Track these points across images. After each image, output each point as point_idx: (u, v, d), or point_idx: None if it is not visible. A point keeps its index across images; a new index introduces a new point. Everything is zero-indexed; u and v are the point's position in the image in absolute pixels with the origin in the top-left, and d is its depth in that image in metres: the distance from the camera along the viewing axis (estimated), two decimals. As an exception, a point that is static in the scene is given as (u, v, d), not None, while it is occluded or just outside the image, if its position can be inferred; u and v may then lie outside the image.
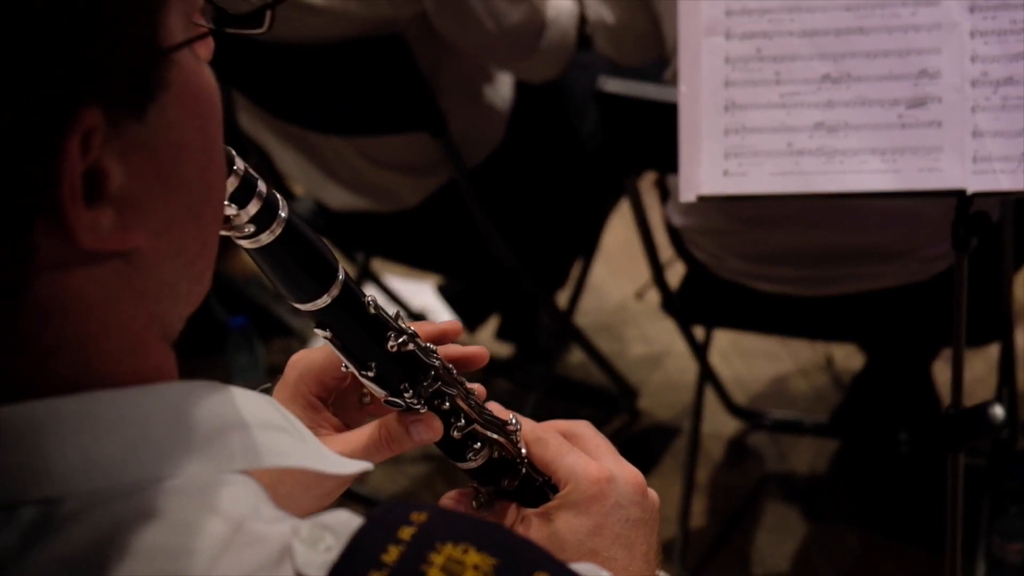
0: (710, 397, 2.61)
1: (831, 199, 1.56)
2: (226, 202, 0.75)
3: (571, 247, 2.58)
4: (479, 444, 0.90)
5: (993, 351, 2.35)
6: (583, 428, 0.92)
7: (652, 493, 0.89)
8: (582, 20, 2.21)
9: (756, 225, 2.01)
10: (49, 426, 0.59)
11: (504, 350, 2.89)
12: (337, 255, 0.84)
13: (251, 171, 0.77)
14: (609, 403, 2.79)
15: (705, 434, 2.59)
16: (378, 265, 3.02)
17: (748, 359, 2.89)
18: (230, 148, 0.73)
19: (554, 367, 2.73)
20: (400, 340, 0.86)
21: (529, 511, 0.90)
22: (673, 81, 1.75)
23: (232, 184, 0.75)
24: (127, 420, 0.61)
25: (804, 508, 2.51)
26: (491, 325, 2.88)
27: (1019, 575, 2.14)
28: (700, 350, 2.47)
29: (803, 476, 2.60)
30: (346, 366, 0.88)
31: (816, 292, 2.09)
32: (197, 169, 0.64)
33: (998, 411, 1.49)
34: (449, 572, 0.58)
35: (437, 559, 0.58)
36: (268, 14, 0.68)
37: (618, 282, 3.20)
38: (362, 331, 0.85)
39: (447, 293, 2.87)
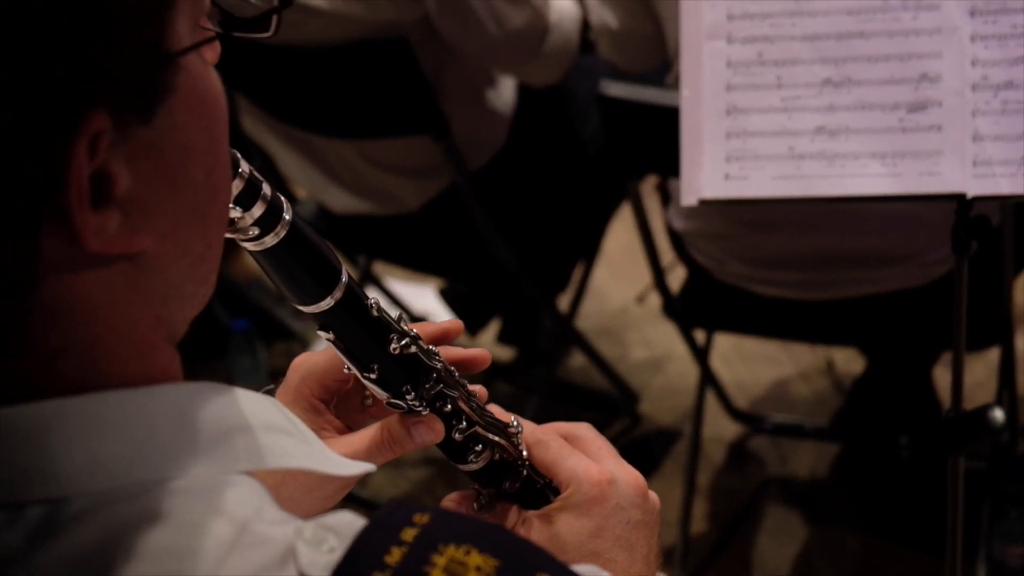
0: (711, 401, 2.61)
1: (832, 203, 1.57)
2: (231, 205, 0.76)
3: (573, 251, 2.59)
4: (480, 446, 0.91)
5: (993, 355, 2.35)
6: (584, 430, 0.93)
7: (653, 495, 0.90)
8: (584, 24, 2.22)
9: (757, 229, 2.01)
10: (55, 427, 0.59)
11: (505, 354, 2.90)
12: (339, 258, 0.85)
13: (256, 174, 0.78)
14: (610, 407, 2.80)
15: (706, 438, 2.59)
16: (380, 268, 3.03)
17: (749, 363, 2.89)
18: (235, 151, 0.73)
19: (555, 371, 2.73)
20: (402, 342, 0.86)
21: (530, 513, 0.90)
22: (675, 85, 1.76)
23: (237, 187, 0.76)
24: (133, 421, 0.61)
25: (805, 512, 2.51)
26: (492, 329, 2.88)
27: (1019, 579, 2.14)
28: (701, 354, 2.48)
29: (804, 480, 2.61)
30: (348, 368, 0.88)
31: (817, 296, 2.10)
32: (203, 172, 0.64)
33: (998, 414, 1.49)
34: (451, 573, 0.58)
35: (439, 560, 0.58)
36: (274, 18, 0.68)
37: (619, 286, 3.20)
38: (365, 333, 0.85)
39: (449, 296, 2.87)
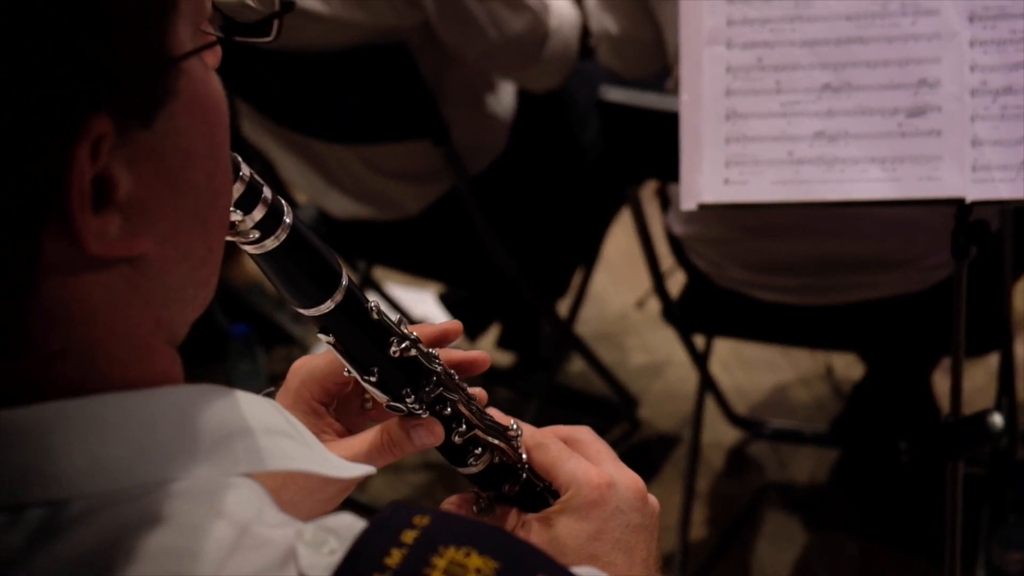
0: (710, 406, 2.62)
1: (831, 207, 1.57)
2: (232, 208, 0.76)
3: (572, 256, 2.59)
4: (480, 449, 0.91)
5: (993, 361, 2.35)
6: (584, 434, 0.93)
7: (652, 499, 0.90)
8: (584, 30, 2.22)
9: (757, 234, 2.01)
10: (56, 428, 0.59)
11: (505, 359, 2.90)
12: (339, 261, 0.85)
13: (257, 177, 0.78)
14: (610, 412, 2.80)
15: (705, 443, 2.59)
16: (380, 273, 3.03)
17: (748, 368, 2.89)
18: (236, 154, 0.73)
19: (555, 376, 2.73)
20: (403, 346, 0.86)
21: (530, 516, 0.90)
22: (675, 91, 1.76)
23: (238, 190, 0.76)
24: (133, 423, 0.61)
25: (804, 517, 2.51)
26: (492, 334, 2.89)
27: (1019, 584, 2.14)
28: (700, 359, 2.48)
29: (803, 485, 2.61)
30: (348, 371, 0.88)
31: (816, 301, 2.10)
32: (204, 175, 0.64)
33: (997, 419, 1.50)
34: (451, 575, 0.58)
35: (439, 562, 0.58)
36: (276, 23, 0.69)
37: (619, 291, 3.21)
38: (365, 336, 0.86)
39: (448, 301, 2.88)
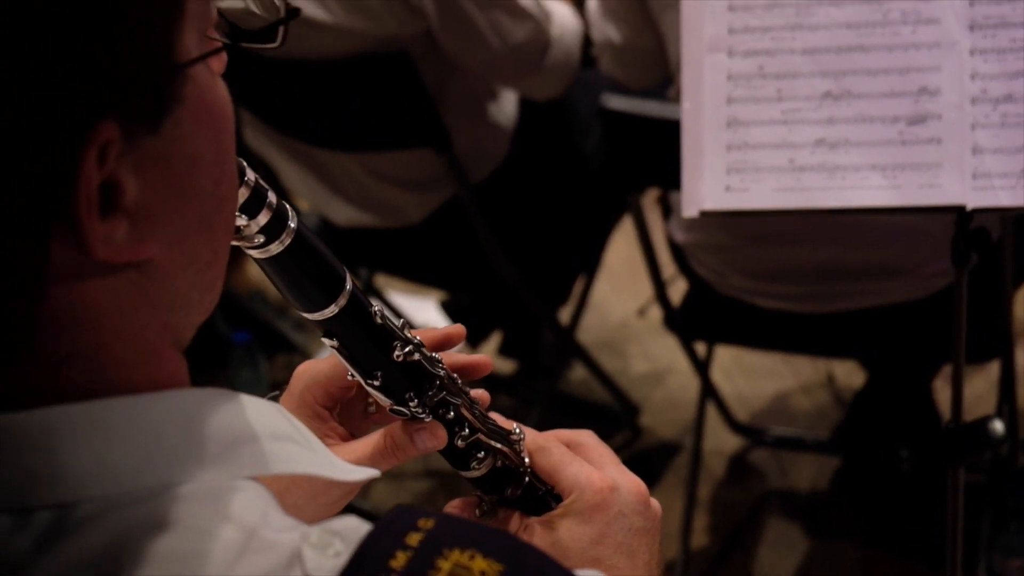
0: (712, 414, 2.62)
1: (832, 215, 1.57)
2: (237, 213, 0.76)
3: (574, 264, 2.59)
4: (483, 453, 0.91)
5: (993, 369, 2.35)
6: (586, 437, 0.93)
7: (654, 502, 0.90)
8: (586, 39, 2.23)
9: (758, 242, 2.02)
10: (63, 432, 0.60)
11: (507, 366, 2.90)
12: (343, 266, 0.86)
13: (261, 182, 0.78)
14: (611, 420, 2.80)
15: (707, 451, 2.60)
16: (381, 281, 3.04)
17: (750, 376, 2.90)
18: (241, 159, 0.73)
19: (556, 383, 2.74)
20: (406, 350, 0.87)
21: (532, 519, 0.90)
22: (676, 99, 1.77)
23: (243, 195, 0.76)
24: (140, 426, 0.61)
25: (806, 524, 2.51)
26: (494, 341, 2.89)
27: (1020, 592, 2.14)
28: (702, 367, 2.48)
29: (805, 493, 2.61)
30: (352, 375, 0.89)
31: (818, 309, 2.10)
32: (210, 181, 0.65)
33: (998, 425, 1.50)
34: (455, 577, 0.58)
35: (444, 565, 0.59)
36: (281, 29, 0.69)
37: (620, 299, 3.21)
38: (368, 340, 0.86)
39: (450, 309, 2.88)
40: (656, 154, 1.90)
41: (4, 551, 0.58)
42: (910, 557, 2.39)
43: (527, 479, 0.92)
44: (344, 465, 0.73)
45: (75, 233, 0.58)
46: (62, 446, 0.59)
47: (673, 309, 2.33)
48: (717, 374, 2.70)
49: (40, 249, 0.58)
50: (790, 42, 1.54)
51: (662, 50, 1.99)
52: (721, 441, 2.70)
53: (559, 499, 0.90)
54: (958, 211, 1.48)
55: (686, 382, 2.76)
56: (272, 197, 0.78)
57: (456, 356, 0.94)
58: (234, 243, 0.76)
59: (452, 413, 0.89)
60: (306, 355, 2.97)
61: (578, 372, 2.90)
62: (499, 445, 0.91)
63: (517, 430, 0.93)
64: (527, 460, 0.92)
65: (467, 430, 0.90)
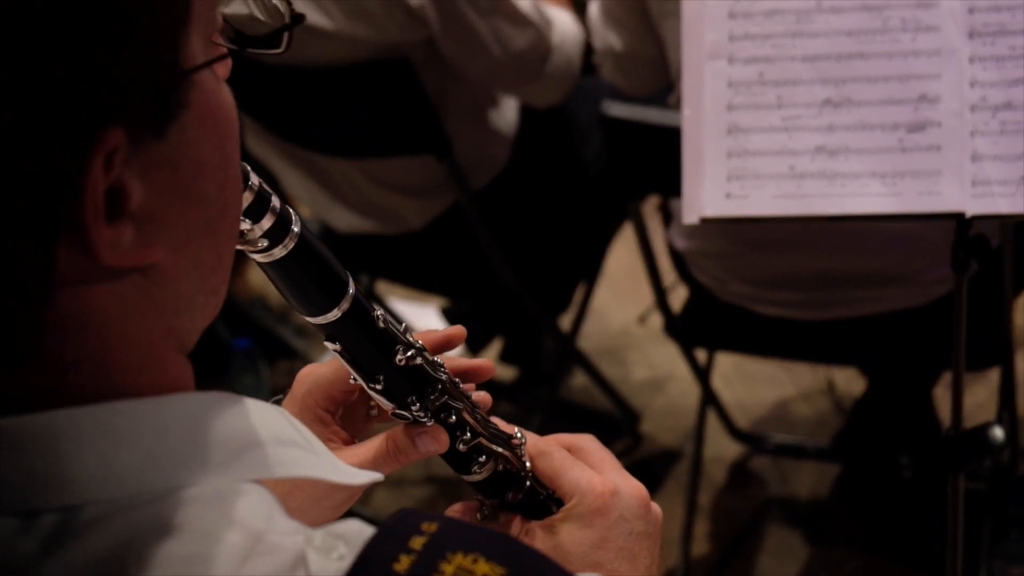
0: (712, 421, 2.62)
1: (832, 222, 1.58)
2: (240, 217, 0.77)
3: (574, 271, 2.60)
4: (484, 457, 0.91)
5: (993, 377, 2.35)
6: (587, 442, 0.93)
7: (655, 507, 0.90)
8: (587, 47, 2.23)
9: (758, 249, 2.02)
10: (69, 434, 0.60)
11: (507, 373, 2.90)
12: (346, 270, 0.86)
13: (265, 186, 0.79)
14: (612, 427, 2.80)
15: (707, 458, 2.60)
16: (383, 287, 3.04)
17: (750, 383, 2.90)
18: (245, 164, 0.74)
19: (557, 390, 2.74)
20: (408, 354, 0.87)
21: (533, 523, 0.91)
22: (677, 106, 1.77)
23: (247, 199, 0.77)
24: (145, 430, 0.62)
25: (806, 532, 2.51)
26: (494, 348, 2.89)
27: (1020, 599, 2.14)
28: (702, 374, 2.48)
29: (805, 500, 2.61)
30: (354, 379, 0.89)
31: (818, 316, 2.10)
32: (215, 186, 0.65)
33: (998, 432, 1.50)
34: (458, 581, 0.59)
35: (447, 568, 0.59)
36: (285, 35, 0.69)
37: (621, 306, 3.21)
38: (371, 345, 0.86)
39: (451, 316, 2.88)
40: (657, 161, 1.91)
41: (10, 553, 0.58)
42: (910, 564, 2.39)
43: (528, 483, 0.92)
44: (347, 468, 0.73)
45: (81, 238, 0.59)
46: (68, 449, 0.60)
47: (673, 316, 2.33)
48: (717, 381, 2.70)
49: (47, 254, 0.59)
50: (790, 49, 1.55)
51: (663, 57, 1.99)
52: (722, 448, 2.70)
53: (560, 503, 0.90)
54: (957, 218, 1.49)
55: (686, 389, 2.76)
56: (276, 201, 0.79)
57: (458, 360, 0.95)
58: (238, 247, 0.76)
59: (454, 417, 0.90)
60: (307, 361, 2.95)
61: (579, 379, 2.90)
62: (500, 449, 0.92)
63: (518, 434, 0.93)
64: (528, 464, 0.92)
65: (469, 434, 0.90)
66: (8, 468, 0.59)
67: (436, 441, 0.89)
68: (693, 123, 1.56)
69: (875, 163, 1.51)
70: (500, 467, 0.92)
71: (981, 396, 2.56)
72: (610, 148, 2.08)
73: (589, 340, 2.96)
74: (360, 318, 0.85)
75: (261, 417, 0.66)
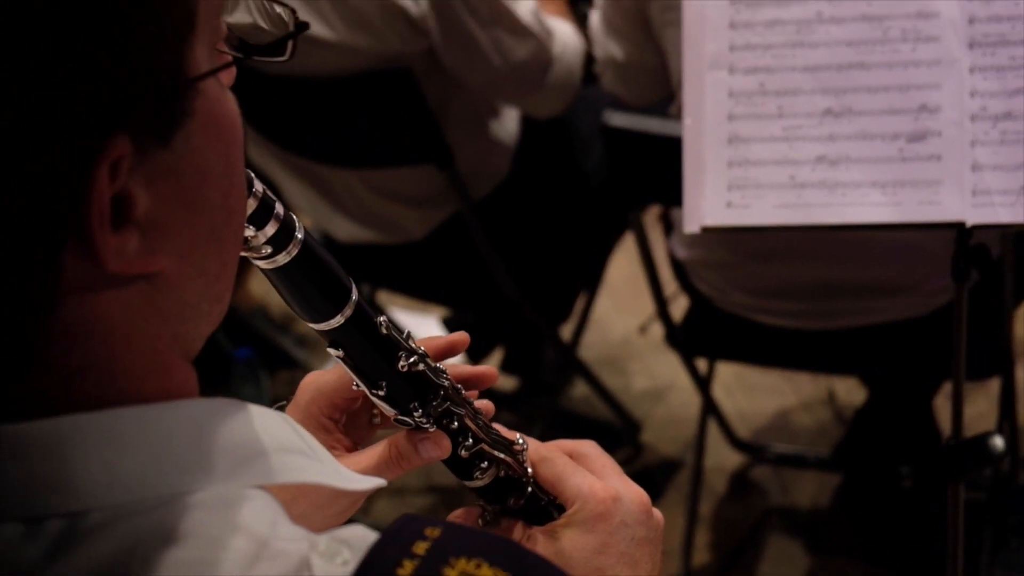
0: (713, 431, 2.62)
1: (832, 231, 1.58)
2: (244, 224, 0.77)
3: (575, 281, 2.60)
4: (486, 463, 0.92)
5: (994, 387, 2.36)
6: (589, 448, 0.94)
7: (657, 513, 0.90)
8: (588, 57, 2.24)
9: (759, 258, 2.02)
10: (74, 440, 0.60)
11: (508, 383, 2.90)
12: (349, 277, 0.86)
13: (269, 193, 0.79)
14: (612, 436, 2.80)
15: (708, 468, 2.60)
16: (384, 297, 3.04)
17: (751, 393, 2.90)
18: (249, 171, 0.74)
19: (558, 400, 2.74)
20: (411, 360, 0.87)
21: (535, 529, 0.91)
22: (678, 116, 1.78)
23: (251, 206, 0.77)
24: (150, 436, 0.62)
25: (807, 541, 2.51)
26: (495, 358, 2.89)
27: (1021, 608, 2.14)
28: (703, 383, 2.48)
29: (806, 510, 2.61)
30: (357, 385, 0.89)
31: (819, 326, 2.10)
32: (220, 193, 0.65)
33: (998, 441, 1.50)
34: (462, 586, 0.59)
35: (451, 573, 0.59)
36: (290, 43, 0.70)
37: (622, 316, 3.21)
38: (374, 351, 0.87)
39: (452, 325, 2.88)
40: (658, 171, 1.91)
41: (16, 559, 0.58)
42: (911, 574, 2.39)
43: (530, 489, 0.93)
44: (350, 474, 0.73)
45: (87, 246, 0.59)
46: (73, 455, 0.60)
47: (674, 326, 2.34)
48: (718, 391, 2.70)
49: (53, 262, 0.59)
50: (791, 59, 1.55)
51: (664, 67, 2.00)
52: (722, 458, 2.70)
53: (562, 509, 0.90)
54: (958, 228, 1.49)
55: (687, 399, 2.76)
56: (279, 208, 0.79)
57: (462, 367, 0.95)
58: (242, 254, 0.77)
59: (456, 423, 0.90)
60: (308, 371, 2.95)
61: (580, 389, 2.90)
62: (502, 455, 0.92)
63: (520, 440, 0.93)
64: (530, 470, 0.93)
65: (471, 440, 0.91)
66: (14, 474, 0.59)
67: (438, 447, 0.90)
68: (694, 133, 1.57)
69: (876, 173, 1.51)
70: (502, 473, 0.92)
71: (981, 406, 2.56)
72: (611, 158, 2.09)
73: (590, 350, 2.96)
74: (363, 324, 0.86)
75: (265, 423, 0.67)
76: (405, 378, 0.87)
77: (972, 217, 1.48)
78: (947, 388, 2.24)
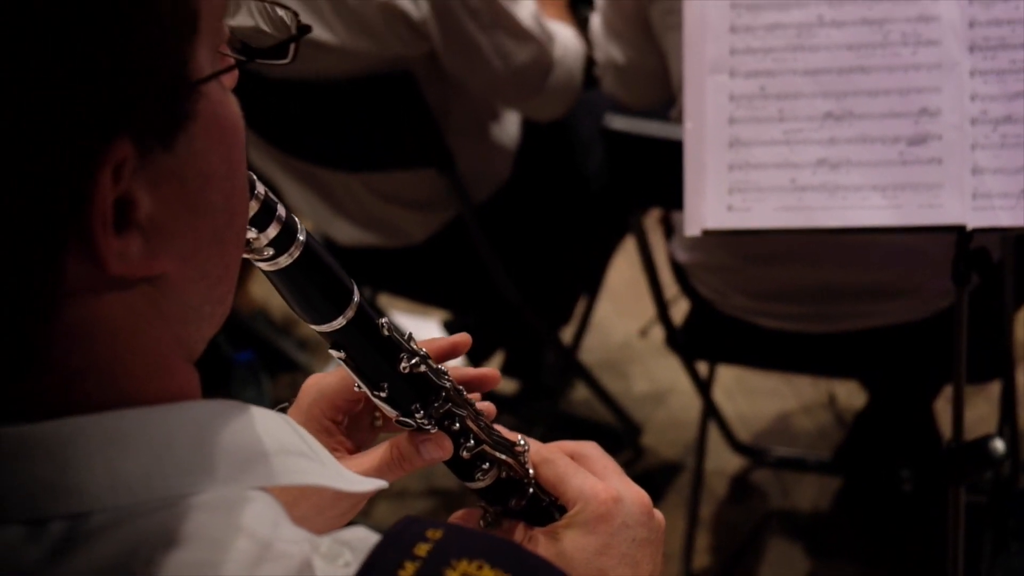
0: (714, 434, 2.62)
1: (833, 234, 1.58)
2: (247, 226, 0.77)
3: (576, 284, 2.60)
4: (488, 464, 0.92)
5: (994, 390, 2.35)
6: (590, 449, 0.94)
7: (658, 514, 0.90)
8: (589, 60, 2.24)
9: (760, 262, 2.02)
10: (76, 442, 0.60)
11: (509, 386, 2.90)
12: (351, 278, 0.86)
13: (271, 195, 0.79)
14: (613, 440, 2.80)
15: (708, 471, 2.60)
16: (384, 301, 3.04)
17: (751, 396, 2.90)
18: (251, 173, 0.74)
19: (558, 403, 2.74)
20: (412, 361, 0.87)
21: (536, 530, 0.91)
22: (679, 119, 1.78)
23: (253, 208, 0.77)
24: (152, 438, 0.62)
25: (807, 545, 2.51)
26: (496, 361, 2.89)
27: (1021, 612, 2.14)
28: (704, 387, 2.48)
29: (806, 513, 2.61)
30: (359, 386, 0.90)
31: (819, 329, 2.11)
32: (222, 196, 0.65)
33: (998, 444, 1.50)
34: (464, 588, 0.59)
35: (452, 575, 0.59)
36: (292, 46, 0.70)
37: (622, 320, 3.21)
38: (376, 352, 0.87)
39: (453, 329, 2.88)
40: (658, 174, 1.91)
41: (18, 561, 0.58)
42: (911, 577, 2.39)
43: (531, 490, 0.93)
44: (352, 476, 0.73)
45: (90, 249, 0.59)
46: (75, 457, 0.60)
47: (675, 329, 2.34)
48: (719, 394, 2.71)
49: (55, 264, 0.59)
50: (791, 63, 1.55)
51: (665, 70, 2.00)
52: (723, 461, 2.70)
53: (563, 510, 0.90)
54: (958, 231, 1.49)
55: (688, 402, 2.76)
56: (281, 210, 0.79)
57: (464, 369, 0.95)
58: (244, 256, 0.77)
59: (457, 424, 0.90)
60: (309, 374, 2.96)
61: (580, 392, 2.90)
62: (504, 456, 0.92)
63: (522, 442, 0.93)
64: (531, 471, 0.93)
65: (472, 441, 0.91)
66: (16, 476, 0.59)
67: (440, 448, 0.90)
68: (695, 136, 1.57)
69: (876, 176, 1.52)
70: (503, 474, 0.92)
71: (982, 409, 2.56)
72: (612, 161, 2.09)
73: (591, 353, 2.96)
74: (365, 326, 0.86)
75: (267, 426, 0.67)
76: (407, 379, 0.88)
77: (972, 220, 1.48)
78: (948, 391, 2.24)
